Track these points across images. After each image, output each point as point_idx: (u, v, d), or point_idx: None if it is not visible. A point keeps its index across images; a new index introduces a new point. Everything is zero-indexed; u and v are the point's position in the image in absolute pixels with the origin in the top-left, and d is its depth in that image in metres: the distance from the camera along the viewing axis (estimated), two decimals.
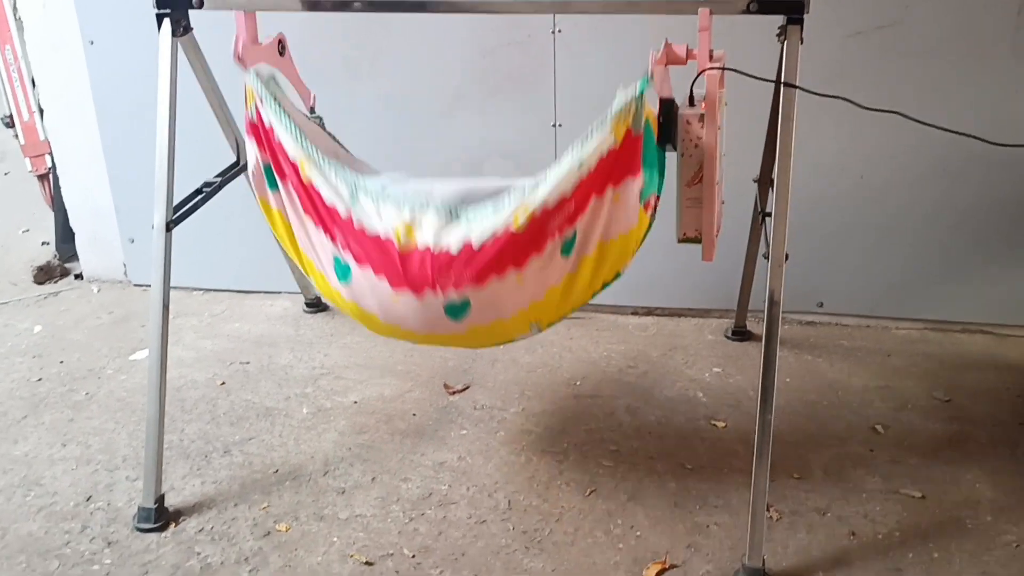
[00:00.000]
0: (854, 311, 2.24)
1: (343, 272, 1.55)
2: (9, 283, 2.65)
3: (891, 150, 2.07)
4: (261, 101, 1.55)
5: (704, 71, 1.50)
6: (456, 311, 1.49)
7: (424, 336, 1.62)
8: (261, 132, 1.57)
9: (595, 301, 1.55)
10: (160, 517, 1.61)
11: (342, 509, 1.63)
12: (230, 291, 2.52)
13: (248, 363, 2.15)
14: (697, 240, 1.62)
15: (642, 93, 1.41)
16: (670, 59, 1.58)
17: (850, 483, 1.67)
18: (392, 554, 1.53)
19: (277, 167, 1.57)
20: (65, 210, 2.62)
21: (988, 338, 2.17)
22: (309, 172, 1.52)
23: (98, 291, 2.59)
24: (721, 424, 1.86)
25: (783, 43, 1.49)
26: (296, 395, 2.01)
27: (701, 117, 1.53)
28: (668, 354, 2.14)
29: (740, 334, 2.20)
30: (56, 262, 2.70)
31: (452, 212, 1.48)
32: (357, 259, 1.52)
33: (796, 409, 1.90)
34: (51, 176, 2.68)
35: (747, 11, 1.48)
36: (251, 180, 1.63)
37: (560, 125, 2.18)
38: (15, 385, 2.09)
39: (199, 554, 1.54)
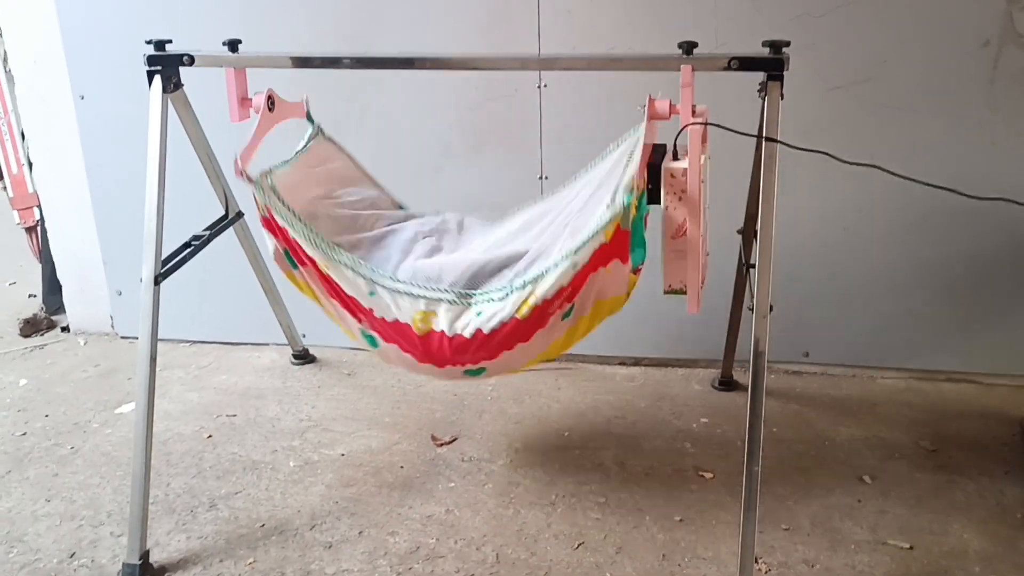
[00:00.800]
0: (840, 361, 2.25)
1: (371, 341, 1.72)
2: None
3: (873, 202, 2.10)
4: (270, 209, 1.65)
5: (687, 126, 1.54)
6: (474, 373, 1.69)
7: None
8: (276, 228, 1.68)
9: (582, 351, 1.61)
10: (145, 574, 1.60)
11: (329, 564, 1.62)
12: (217, 343, 2.52)
13: (235, 416, 2.15)
14: (682, 292, 1.64)
15: (628, 204, 1.50)
16: (653, 114, 1.61)
17: (838, 534, 1.67)
18: None
19: (295, 255, 1.69)
20: (52, 262, 2.62)
21: (973, 387, 2.18)
22: (327, 270, 1.64)
23: (85, 343, 2.58)
24: (709, 475, 1.86)
25: (764, 99, 1.52)
26: (283, 448, 2.00)
27: (685, 171, 1.56)
28: (656, 404, 2.15)
29: (727, 384, 2.21)
30: (43, 315, 2.69)
31: (462, 299, 1.62)
32: (383, 337, 1.69)
33: (784, 459, 1.91)
34: (39, 228, 2.69)
35: (728, 68, 1.51)
36: (273, 261, 1.76)
37: (546, 177, 2.21)
38: None
39: None
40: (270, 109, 1.69)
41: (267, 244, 1.74)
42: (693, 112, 1.55)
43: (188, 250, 1.77)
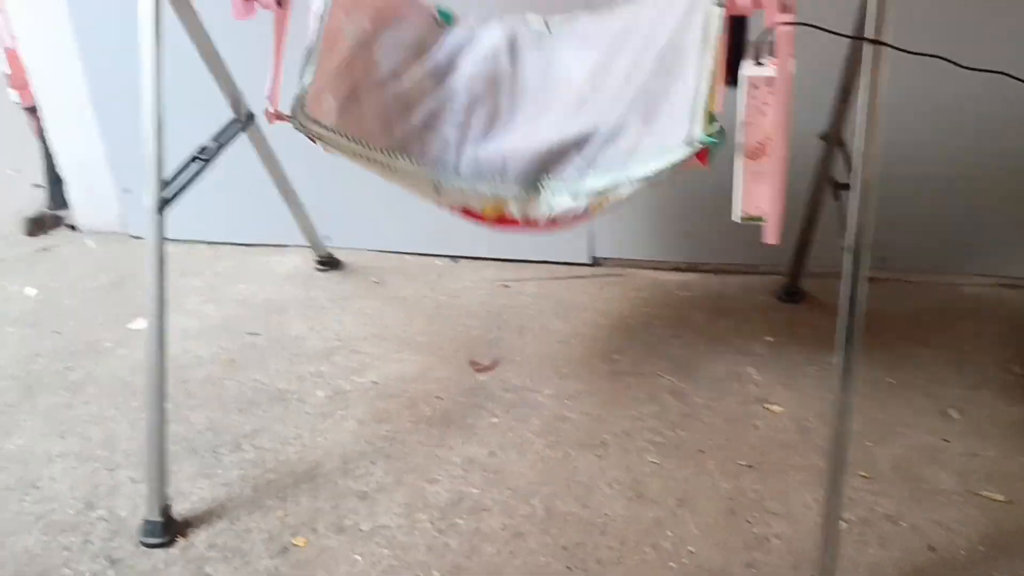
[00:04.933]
0: (920, 266, 2.04)
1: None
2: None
3: (951, 99, 1.83)
4: (315, 138, 1.46)
5: (775, 26, 1.28)
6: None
7: None
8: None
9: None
10: (167, 530, 1.47)
11: (364, 519, 1.49)
12: (234, 244, 2.34)
13: (257, 334, 1.99)
14: (761, 219, 1.42)
15: (706, 143, 1.32)
16: (732, 7, 1.34)
17: (923, 483, 1.51)
18: None
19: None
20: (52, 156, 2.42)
21: None
22: (386, 176, 1.50)
23: (94, 245, 2.41)
24: (776, 408, 1.69)
25: None
26: (310, 374, 1.84)
27: (771, 80, 1.31)
28: (714, 319, 1.96)
29: (793, 295, 2.01)
30: (48, 212, 2.51)
31: (532, 189, 1.47)
32: (454, 212, 1.56)
33: (860, 389, 1.72)
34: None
35: None
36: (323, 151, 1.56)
37: None
38: (7, 362, 1.94)
39: None
40: (280, 3, 1.43)
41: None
42: (782, 7, 1.29)
43: (194, 168, 1.56)
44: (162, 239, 1.45)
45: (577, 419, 1.69)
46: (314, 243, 2.18)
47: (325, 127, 1.43)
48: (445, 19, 1.69)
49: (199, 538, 1.47)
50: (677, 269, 2.14)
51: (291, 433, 1.69)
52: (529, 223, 1.46)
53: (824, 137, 1.63)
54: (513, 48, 1.63)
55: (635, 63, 1.50)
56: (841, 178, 1.51)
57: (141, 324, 2.04)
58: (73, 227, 2.47)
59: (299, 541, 1.45)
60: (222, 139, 1.64)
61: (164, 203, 1.45)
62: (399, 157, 1.47)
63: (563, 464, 1.59)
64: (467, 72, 1.60)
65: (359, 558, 1.42)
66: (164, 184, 1.46)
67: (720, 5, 1.33)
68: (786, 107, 1.30)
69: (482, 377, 1.81)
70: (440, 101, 1.57)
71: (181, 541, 1.47)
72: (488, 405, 1.74)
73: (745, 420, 1.67)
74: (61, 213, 2.51)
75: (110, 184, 2.35)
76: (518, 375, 1.81)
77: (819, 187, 1.76)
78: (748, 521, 1.46)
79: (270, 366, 1.88)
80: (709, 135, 1.31)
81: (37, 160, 2.52)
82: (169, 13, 1.48)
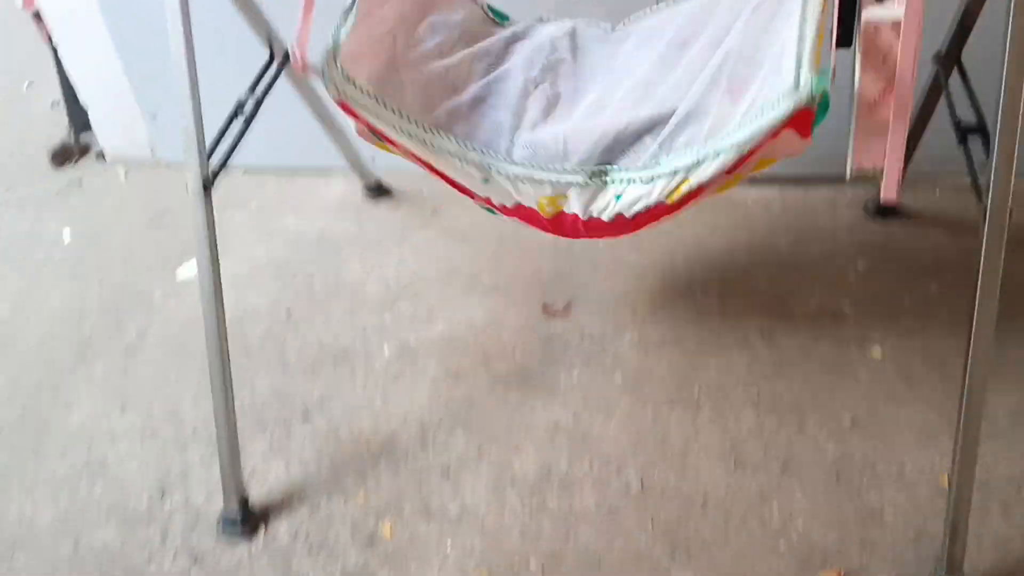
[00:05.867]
0: None
1: (490, 211, 1.43)
2: (25, 169, 2.33)
3: None
4: (346, 103, 1.26)
5: None
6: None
7: None
8: (356, 115, 1.29)
9: None
10: (247, 521, 1.41)
11: (450, 499, 1.42)
12: (276, 169, 2.19)
13: (312, 276, 1.87)
14: (876, 176, 1.26)
15: (817, 90, 1.09)
16: None
17: None
18: (518, 566, 1.33)
19: (386, 139, 1.32)
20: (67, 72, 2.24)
21: None
22: (429, 159, 1.30)
23: (125, 176, 2.27)
24: (876, 351, 1.58)
25: None
26: (373, 327, 1.74)
27: (897, 26, 1.12)
28: (800, 242, 1.82)
29: (884, 209, 1.85)
30: (72, 140, 2.35)
31: (596, 177, 1.26)
32: (504, 213, 1.38)
33: (958, 325, 1.59)
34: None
35: None
36: (356, 135, 1.39)
37: None
38: (55, 321, 1.85)
39: (298, 574, 1.35)
40: None
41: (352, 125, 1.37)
42: None
43: (237, 128, 1.41)
44: (212, 220, 1.32)
45: (663, 371, 1.59)
46: (360, 169, 2.02)
47: (358, 88, 1.26)
48: (499, 18, 1.50)
49: (281, 529, 1.42)
50: (754, 182, 1.98)
51: (361, 400, 1.60)
52: (592, 220, 1.28)
53: (937, 57, 1.43)
54: (574, 39, 1.44)
55: (714, 40, 1.30)
56: (964, 116, 1.33)
57: (189, 272, 1.93)
58: (101, 155, 2.32)
59: (386, 530, 1.39)
60: (260, 88, 1.47)
61: (210, 181, 1.31)
62: (443, 138, 1.30)
63: (654, 427, 1.50)
64: (523, 58, 1.42)
65: (451, 548, 1.36)
66: (206, 158, 1.31)
67: None
68: (916, 51, 1.12)
69: (557, 322, 1.70)
70: (491, 85, 1.39)
71: (263, 532, 1.41)
72: (566, 357, 1.63)
73: (844, 368, 1.56)
74: (87, 140, 2.36)
75: (134, 107, 2.19)
76: (595, 319, 1.70)
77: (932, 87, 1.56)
78: (858, 489, 1.37)
79: (331, 317, 1.77)
80: (816, 80, 1.12)
81: (47, 68, 2.31)
82: None
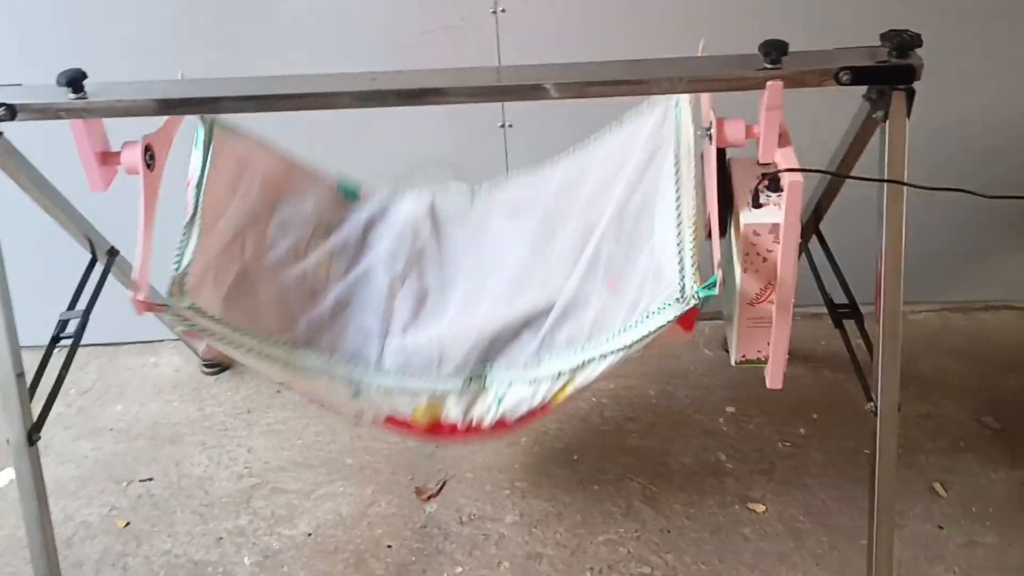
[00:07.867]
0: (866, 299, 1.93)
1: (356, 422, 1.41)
2: None
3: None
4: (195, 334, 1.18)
5: (779, 173, 1.07)
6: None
7: None
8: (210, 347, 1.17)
9: None
10: None
11: None
12: (95, 346, 1.98)
13: (151, 480, 1.68)
14: (762, 362, 1.24)
15: (703, 297, 1.09)
16: (723, 141, 1.12)
17: None
18: None
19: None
20: None
21: (1013, 314, 1.92)
22: (291, 379, 1.22)
23: None
24: (759, 508, 1.56)
25: (884, 123, 1.06)
26: (229, 533, 1.57)
27: (775, 228, 1.11)
28: (667, 390, 1.80)
29: None
30: None
31: (475, 382, 1.24)
32: (374, 425, 1.32)
33: (836, 457, 1.61)
34: None
35: (838, 82, 1.04)
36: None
37: (510, 125, 1.68)
38: None
39: None
40: (150, 167, 1.10)
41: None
42: (783, 138, 1.09)
43: (62, 350, 1.24)
44: (40, 480, 1.13)
45: (552, 553, 1.50)
46: (194, 348, 1.86)
47: (210, 317, 1.14)
48: (349, 196, 1.41)
49: None
50: None
51: None
52: (472, 428, 1.22)
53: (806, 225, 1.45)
54: (434, 219, 1.38)
55: (586, 226, 1.28)
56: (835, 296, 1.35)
57: (5, 479, 1.69)
58: None
59: None
60: (81, 313, 1.30)
61: (35, 429, 1.13)
62: (304, 352, 1.19)
63: None
64: (383, 250, 1.35)
65: None
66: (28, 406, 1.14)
67: (707, 136, 1.11)
68: (795, 251, 1.11)
69: (431, 505, 1.59)
70: (353, 285, 1.31)
71: None
72: (446, 547, 1.52)
73: (731, 527, 1.53)
74: None
75: None
76: (472, 499, 1.60)
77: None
78: None
79: (178, 527, 1.58)
80: (701, 290, 1.10)
81: None
82: None
